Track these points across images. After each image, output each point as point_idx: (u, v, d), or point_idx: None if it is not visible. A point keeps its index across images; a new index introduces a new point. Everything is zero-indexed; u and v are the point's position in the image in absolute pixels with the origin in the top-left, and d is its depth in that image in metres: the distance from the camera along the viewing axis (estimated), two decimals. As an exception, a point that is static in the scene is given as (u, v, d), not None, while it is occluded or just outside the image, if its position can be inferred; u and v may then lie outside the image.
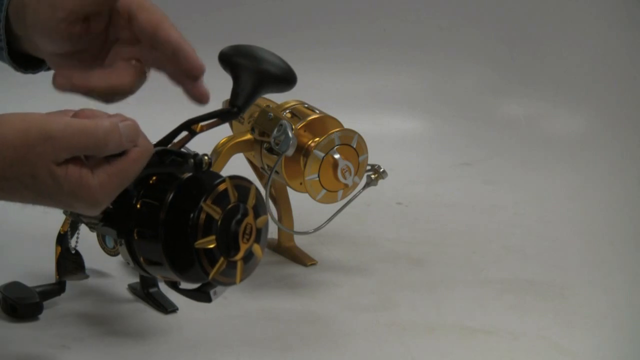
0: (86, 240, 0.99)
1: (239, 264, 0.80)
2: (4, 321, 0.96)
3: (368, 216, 1.28)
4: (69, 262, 0.98)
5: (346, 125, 1.06)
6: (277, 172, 1.05)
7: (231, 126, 1.14)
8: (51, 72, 0.83)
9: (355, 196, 1.08)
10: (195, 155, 0.80)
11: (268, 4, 1.65)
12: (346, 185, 1.06)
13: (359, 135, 1.06)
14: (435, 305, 1.04)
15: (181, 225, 0.77)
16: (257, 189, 0.81)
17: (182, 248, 0.77)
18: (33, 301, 0.96)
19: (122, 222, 0.79)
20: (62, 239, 0.98)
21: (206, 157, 0.80)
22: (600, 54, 1.62)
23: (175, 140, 0.82)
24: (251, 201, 0.80)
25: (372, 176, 1.09)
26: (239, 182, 0.79)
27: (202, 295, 0.82)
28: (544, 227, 1.28)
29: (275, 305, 1.03)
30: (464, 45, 1.66)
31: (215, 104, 1.17)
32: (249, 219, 0.80)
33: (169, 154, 0.80)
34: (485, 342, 0.96)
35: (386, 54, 1.66)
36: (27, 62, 0.88)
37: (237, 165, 1.12)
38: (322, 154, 1.04)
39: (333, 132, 1.04)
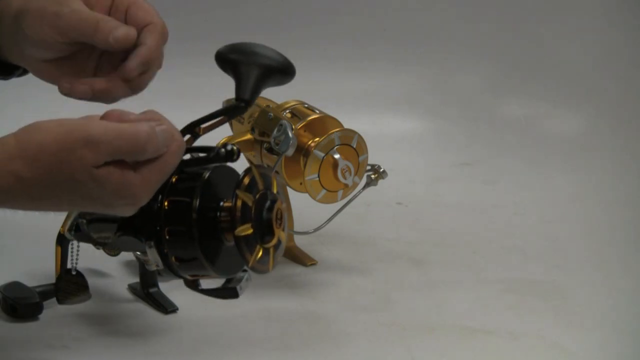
0: (86, 240, 0.99)
1: (272, 251, 0.80)
2: (4, 321, 0.96)
3: (368, 216, 1.28)
4: (71, 285, 0.98)
5: (346, 125, 1.06)
6: (277, 172, 1.05)
7: (231, 126, 1.14)
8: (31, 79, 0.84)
9: (355, 196, 1.08)
10: (225, 145, 0.79)
11: (267, 4, 1.65)
12: (346, 185, 1.06)
13: (359, 135, 1.06)
14: (435, 305, 1.04)
15: (215, 220, 0.77)
16: (277, 177, 0.81)
17: (218, 245, 0.77)
18: (33, 301, 0.96)
19: (149, 224, 0.79)
20: (62, 239, 0.97)
21: (234, 147, 0.80)
22: (600, 53, 1.62)
23: None
24: (275, 188, 0.80)
25: (372, 176, 1.09)
26: (262, 171, 0.80)
27: (228, 291, 0.83)
28: (544, 227, 1.28)
29: (275, 305, 1.03)
30: (464, 45, 1.66)
31: (216, 104, 1.17)
32: (279, 204, 0.80)
33: (191, 151, 0.80)
34: (485, 342, 0.96)
35: (386, 54, 1.66)
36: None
37: (238, 165, 1.12)
38: (322, 154, 1.04)
39: (333, 132, 1.04)
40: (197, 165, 0.80)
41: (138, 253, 0.96)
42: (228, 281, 0.83)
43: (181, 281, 1.06)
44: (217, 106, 1.15)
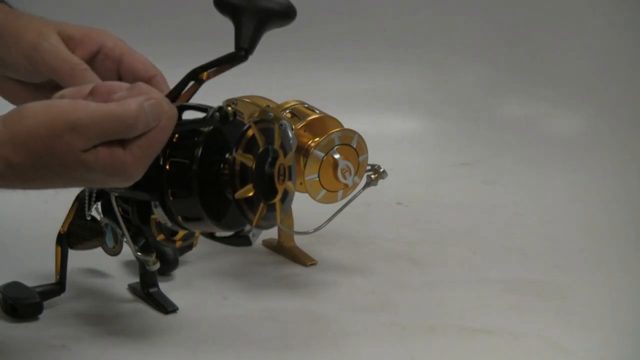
0: (86, 240, 0.99)
1: (278, 205, 0.80)
2: (4, 321, 0.96)
3: (368, 216, 1.28)
4: (84, 230, 0.97)
5: (346, 125, 1.06)
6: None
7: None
8: None
9: (355, 196, 1.08)
10: (220, 108, 0.79)
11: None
12: (346, 185, 1.06)
13: (359, 135, 1.06)
14: (435, 305, 1.04)
15: (217, 179, 0.76)
16: (279, 126, 0.80)
17: (221, 201, 0.76)
18: (33, 301, 0.96)
19: (153, 185, 0.79)
20: (62, 239, 0.98)
21: (230, 108, 0.79)
22: (600, 53, 1.62)
23: (184, 90, 0.82)
24: (277, 141, 0.80)
25: (372, 176, 1.09)
26: (263, 125, 0.79)
27: (241, 240, 0.82)
28: (544, 227, 1.28)
29: (275, 305, 1.03)
30: (464, 45, 1.66)
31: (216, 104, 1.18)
32: (281, 159, 0.79)
33: (187, 109, 0.80)
34: (485, 342, 0.96)
35: (386, 54, 1.66)
36: None
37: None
38: (322, 154, 1.04)
39: (333, 132, 1.04)
40: (192, 127, 0.79)
41: (139, 253, 0.96)
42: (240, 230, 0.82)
43: (181, 281, 1.07)
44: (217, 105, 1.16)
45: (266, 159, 0.79)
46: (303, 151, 1.04)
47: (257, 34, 0.84)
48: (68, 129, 0.71)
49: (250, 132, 0.77)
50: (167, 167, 0.78)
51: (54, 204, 1.09)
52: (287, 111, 1.07)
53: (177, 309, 1.00)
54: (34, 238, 1.11)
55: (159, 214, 0.80)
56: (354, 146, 1.05)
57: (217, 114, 0.78)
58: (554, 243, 1.22)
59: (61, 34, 0.84)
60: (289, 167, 0.81)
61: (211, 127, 0.78)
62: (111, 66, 0.84)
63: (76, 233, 0.97)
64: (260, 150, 0.78)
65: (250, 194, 0.77)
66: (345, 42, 1.65)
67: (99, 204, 0.98)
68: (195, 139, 0.78)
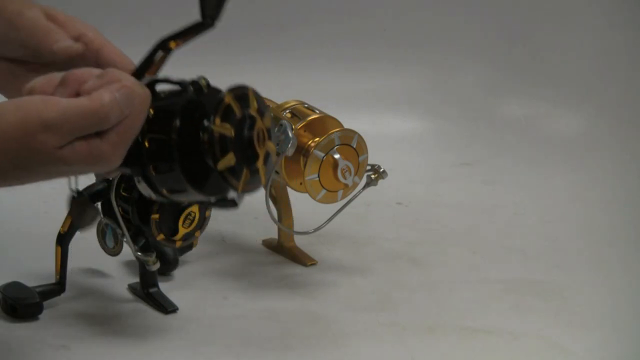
0: (86, 240, 0.99)
1: (261, 168, 0.80)
2: (4, 321, 0.96)
3: (368, 216, 1.28)
4: (80, 208, 0.97)
5: (346, 125, 1.06)
6: (277, 172, 1.05)
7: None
8: None
9: (355, 196, 1.08)
10: (194, 82, 0.78)
11: (268, 4, 1.65)
12: (346, 185, 1.06)
13: (359, 135, 1.05)
14: (435, 305, 1.04)
15: (197, 149, 0.76)
16: (253, 90, 0.80)
17: (204, 171, 0.76)
18: (33, 301, 0.96)
19: (134, 161, 0.78)
20: (62, 239, 0.98)
21: (203, 80, 0.79)
22: (600, 53, 1.62)
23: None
24: (253, 105, 0.79)
25: (372, 176, 1.09)
26: (237, 92, 0.78)
27: (228, 202, 0.82)
28: (544, 227, 1.28)
29: (275, 305, 1.03)
30: (464, 45, 1.66)
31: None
32: (259, 123, 0.79)
33: (160, 82, 0.79)
34: (485, 342, 0.96)
35: (386, 54, 1.66)
36: None
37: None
38: (322, 154, 1.04)
39: (333, 132, 1.04)
40: (167, 102, 0.79)
41: (139, 253, 0.96)
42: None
43: (181, 281, 1.07)
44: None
45: (244, 125, 0.78)
46: (303, 151, 1.04)
47: (222, 1, 0.84)
48: (41, 129, 0.71)
49: (226, 101, 0.77)
50: (146, 143, 0.78)
51: (54, 204, 1.09)
52: (287, 111, 1.07)
53: (177, 309, 1.00)
54: (34, 238, 1.11)
55: (142, 188, 0.80)
56: (354, 146, 1.05)
57: (191, 87, 0.78)
58: (554, 243, 1.22)
59: (45, 12, 0.85)
60: (268, 129, 0.81)
61: (187, 99, 0.78)
62: (89, 56, 0.84)
63: (76, 214, 0.97)
64: (238, 117, 0.78)
65: (232, 162, 0.77)
66: (345, 42, 1.65)
67: (99, 203, 0.98)
68: (172, 112, 0.78)
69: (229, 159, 0.77)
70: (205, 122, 0.76)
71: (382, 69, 1.66)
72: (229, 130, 0.77)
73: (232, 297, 1.04)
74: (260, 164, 0.80)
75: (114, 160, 0.75)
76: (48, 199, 1.25)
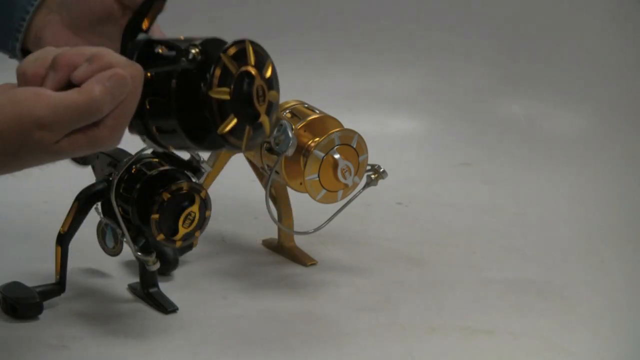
0: (86, 240, 0.99)
1: (247, 129, 0.79)
2: (4, 321, 0.96)
3: (368, 216, 1.28)
4: None
5: (346, 125, 1.06)
6: (277, 172, 1.05)
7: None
8: None
9: (355, 196, 1.08)
10: (186, 52, 0.76)
11: (268, 4, 1.65)
12: (346, 185, 1.06)
13: (359, 135, 1.06)
14: (435, 305, 1.04)
15: (197, 116, 0.76)
16: (251, 42, 0.80)
17: (207, 132, 0.76)
18: (33, 301, 0.96)
19: (137, 121, 0.78)
20: (62, 239, 0.98)
21: (194, 50, 0.76)
22: (600, 54, 1.62)
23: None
24: (251, 60, 0.79)
25: (372, 176, 1.09)
26: (234, 49, 0.78)
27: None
28: (544, 227, 1.28)
29: (275, 305, 1.03)
30: (464, 45, 1.66)
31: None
32: (257, 80, 0.79)
33: (157, 44, 0.79)
34: (485, 342, 0.96)
35: (386, 54, 1.66)
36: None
37: (237, 166, 1.12)
38: (322, 154, 1.04)
39: (333, 132, 1.04)
40: (165, 67, 0.78)
41: (139, 253, 0.96)
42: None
43: (181, 281, 1.07)
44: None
45: (242, 85, 0.78)
46: (303, 151, 1.04)
47: None
48: (34, 127, 0.71)
49: (222, 62, 0.77)
50: (147, 106, 0.78)
51: (54, 204, 1.09)
52: (287, 111, 1.07)
53: (177, 309, 1.00)
54: (34, 238, 1.11)
55: (149, 144, 0.80)
56: (354, 146, 1.05)
57: (184, 59, 0.77)
58: (554, 243, 1.22)
59: None
60: (269, 80, 0.80)
61: (183, 65, 0.78)
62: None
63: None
64: (235, 77, 0.78)
65: (233, 124, 0.77)
66: (345, 43, 1.65)
67: (99, 203, 0.98)
68: (169, 78, 0.77)
69: (229, 121, 0.77)
70: (203, 88, 0.76)
71: (382, 69, 1.66)
72: (225, 94, 0.77)
73: (232, 297, 1.04)
74: (262, 118, 0.79)
75: (114, 142, 0.75)
76: (48, 199, 1.25)
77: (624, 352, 0.97)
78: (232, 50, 0.77)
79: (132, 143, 0.99)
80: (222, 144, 0.78)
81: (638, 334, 1.00)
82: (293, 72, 1.58)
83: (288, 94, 1.09)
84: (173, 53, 0.77)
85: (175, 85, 0.77)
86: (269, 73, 0.80)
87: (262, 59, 0.80)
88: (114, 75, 0.73)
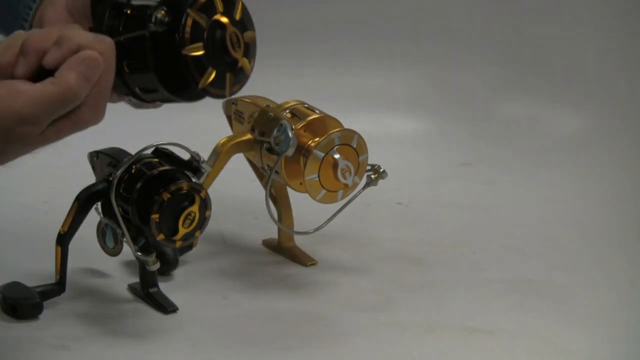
0: (86, 240, 0.99)
1: (228, 77, 0.79)
2: (4, 321, 0.96)
3: (368, 216, 1.28)
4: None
5: (346, 125, 1.06)
6: (277, 172, 1.05)
7: (231, 125, 1.14)
8: None
9: (355, 196, 1.08)
10: (151, 16, 0.77)
11: (268, 4, 1.65)
12: (346, 185, 1.06)
13: (359, 135, 1.05)
14: (435, 305, 1.04)
15: (177, 74, 0.77)
16: (243, 4, 0.80)
17: (171, 58, 0.77)
18: (33, 301, 0.96)
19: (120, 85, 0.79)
20: (62, 239, 0.98)
21: (160, 13, 0.77)
22: (601, 53, 1.62)
23: None
24: (237, 14, 0.79)
25: (372, 176, 1.09)
26: (199, 3, 0.78)
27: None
28: (544, 227, 1.28)
29: (275, 305, 1.03)
30: (464, 45, 1.66)
31: (216, 104, 1.18)
32: (228, 28, 0.79)
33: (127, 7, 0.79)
34: (485, 342, 0.96)
35: (386, 54, 1.66)
36: None
37: (237, 166, 1.12)
38: (322, 154, 1.04)
39: (333, 132, 1.04)
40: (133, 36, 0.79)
41: (139, 253, 0.96)
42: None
43: (181, 281, 1.07)
44: (218, 106, 1.16)
45: (214, 36, 0.78)
46: (303, 151, 1.04)
47: None
48: (17, 124, 0.72)
49: (190, 18, 0.77)
50: (126, 69, 0.78)
51: (54, 204, 1.09)
52: (287, 111, 1.07)
53: (177, 309, 1.00)
54: (34, 238, 1.11)
55: (135, 103, 0.82)
56: (354, 146, 1.05)
57: (151, 23, 0.77)
58: (554, 243, 1.22)
59: None
60: (247, 44, 0.81)
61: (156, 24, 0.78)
62: None
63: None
64: (206, 29, 0.78)
65: (212, 76, 0.77)
66: (345, 42, 1.65)
67: (99, 203, 0.98)
68: (143, 38, 0.77)
69: (209, 75, 0.77)
70: (176, 49, 0.76)
71: (383, 69, 1.66)
72: (199, 50, 0.77)
73: (232, 297, 1.04)
74: (242, 62, 0.80)
75: (98, 119, 0.76)
76: (48, 199, 1.25)
77: (623, 352, 0.97)
78: (199, 3, 0.77)
79: (132, 143, 1.00)
80: (205, 95, 0.79)
81: (638, 334, 1.00)
82: (293, 72, 1.59)
83: (288, 94, 1.10)
84: (141, 15, 0.78)
85: (148, 48, 0.77)
86: (239, 14, 0.80)
87: (230, 2, 0.80)
88: (86, 59, 0.74)
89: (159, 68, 0.77)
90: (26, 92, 0.73)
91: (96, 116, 0.75)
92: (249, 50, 0.81)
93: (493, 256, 1.18)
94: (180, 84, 0.77)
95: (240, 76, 0.80)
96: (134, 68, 0.78)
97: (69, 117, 0.74)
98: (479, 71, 1.67)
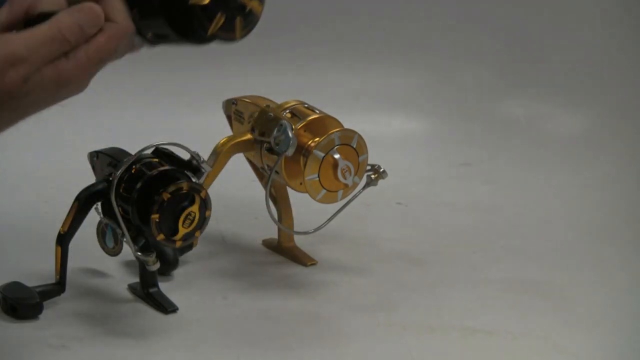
0: (86, 240, 0.99)
1: (238, 20, 0.80)
2: (4, 321, 0.96)
3: (368, 216, 1.28)
4: None
5: (346, 126, 1.06)
6: (277, 172, 1.05)
7: (231, 125, 1.14)
8: None
9: (355, 196, 1.08)
10: None
11: (269, 4, 1.65)
12: (346, 185, 1.06)
13: (359, 135, 1.05)
14: (435, 305, 1.04)
15: (187, 20, 0.77)
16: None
17: (178, 6, 0.77)
18: (33, 301, 0.96)
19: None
20: (62, 239, 0.98)
21: None
22: (600, 54, 1.62)
23: None
24: None
25: (372, 176, 1.09)
26: None
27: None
28: (544, 227, 1.28)
29: (275, 305, 1.03)
30: (464, 46, 1.66)
31: (216, 104, 1.18)
32: None
33: None
34: (485, 342, 0.96)
35: (386, 54, 1.66)
36: None
37: (237, 166, 1.12)
38: (322, 154, 1.04)
39: (333, 132, 1.04)
40: None
41: (139, 253, 0.96)
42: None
43: (181, 281, 1.07)
44: (218, 106, 1.16)
45: None
46: (303, 151, 1.04)
47: None
48: (7, 65, 0.72)
49: None
50: (138, 16, 0.79)
51: (54, 204, 1.09)
52: (287, 111, 1.07)
53: (177, 309, 1.00)
54: (34, 238, 1.11)
55: (148, 44, 0.82)
56: (354, 146, 1.05)
57: None
58: (554, 243, 1.22)
59: None
60: None
61: None
62: None
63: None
64: None
65: (221, 22, 0.78)
66: (345, 43, 1.65)
67: (99, 203, 0.98)
68: None
69: (218, 22, 0.78)
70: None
71: (382, 69, 1.66)
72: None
73: (232, 297, 1.04)
74: (251, 4, 0.80)
75: (83, 83, 0.76)
76: (48, 199, 1.25)
77: (623, 352, 0.97)
78: None
79: (132, 143, 1.00)
80: (215, 39, 0.80)
81: (638, 334, 1.00)
82: (293, 72, 1.59)
83: (288, 94, 1.10)
84: None
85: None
86: None
87: None
88: (84, 8, 0.75)
89: (168, 14, 0.78)
90: (18, 37, 0.73)
91: (80, 77, 0.75)
92: (248, 16, 0.82)
93: (493, 256, 1.18)
94: (191, 30, 0.78)
95: (250, 19, 0.81)
96: (145, 14, 0.79)
97: (54, 64, 0.73)
98: (479, 72, 1.67)
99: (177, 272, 1.08)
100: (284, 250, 1.15)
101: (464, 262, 1.15)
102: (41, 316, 0.97)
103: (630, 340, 0.99)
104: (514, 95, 1.65)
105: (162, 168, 0.95)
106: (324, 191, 1.05)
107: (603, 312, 1.03)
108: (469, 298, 1.06)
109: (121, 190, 0.95)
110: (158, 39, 0.80)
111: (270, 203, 1.08)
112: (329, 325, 0.99)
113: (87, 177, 1.01)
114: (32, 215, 1.21)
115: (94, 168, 1.03)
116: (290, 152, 1.01)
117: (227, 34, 0.79)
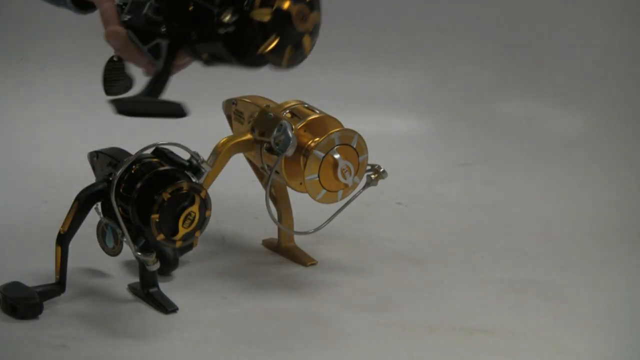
0: (86, 240, 0.99)
1: (289, 48, 0.81)
2: (4, 321, 0.96)
3: (368, 216, 1.28)
4: (114, 72, 0.98)
5: (346, 126, 1.06)
6: (277, 172, 1.05)
7: (231, 125, 1.14)
8: None
9: (355, 196, 1.08)
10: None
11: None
12: (346, 185, 1.06)
13: (359, 135, 1.06)
14: (435, 305, 1.04)
15: (240, 37, 0.80)
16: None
17: (249, 50, 0.80)
18: (33, 301, 0.96)
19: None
20: (62, 239, 0.98)
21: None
22: (600, 54, 1.62)
23: None
24: None
25: (372, 176, 1.09)
26: None
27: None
28: (544, 227, 1.28)
29: (275, 305, 1.03)
30: (464, 46, 1.66)
31: (216, 104, 1.18)
32: (302, 3, 0.82)
33: None
34: (485, 342, 0.96)
35: (386, 55, 1.66)
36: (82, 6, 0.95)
37: (237, 166, 1.12)
38: (322, 154, 1.04)
39: (333, 132, 1.04)
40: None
41: (139, 253, 0.96)
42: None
43: (181, 281, 1.07)
44: (218, 106, 1.16)
45: (283, 5, 0.81)
46: (303, 151, 1.04)
47: None
48: None
49: None
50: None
51: (54, 204, 1.09)
52: (287, 111, 1.07)
53: (177, 309, 1.00)
54: (34, 238, 1.11)
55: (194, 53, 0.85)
56: (354, 146, 1.05)
57: None
58: (554, 243, 1.22)
59: None
60: (311, 2, 0.83)
61: None
62: None
63: (108, 77, 0.97)
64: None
65: (267, 18, 0.79)
66: (345, 43, 1.65)
67: (99, 203, 0.98)
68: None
69: (271, 42, 0.79)
70: (245, 8, 0.79)
71: (383, 69, 1.66)
72: (266, 16, 0.79)
73: (232, 297, 1.04)
74: (304, 38, 0.81)
75: None
76: (48, 199, 1.25)
77: (624, 352, 0.97)
78: None
79: (132, 143, 1.00)
80: (264, 63, 0.82)
81: (638, 334, 1.01)
82: (293, 72, 1.59)
83: (288, 94, 1.10)
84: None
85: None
86: None
87: None
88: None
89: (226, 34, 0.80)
90: None
91: None
92: (313, 30, 0.83)
93: (493, 256, 1.18)
94: (243, 45, 0.79)
95: (300, 51, 0.82)
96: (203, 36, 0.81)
97: None
98: (479, 71, 1.67)
99: (177, 272, 1.08)
100: (284, 250, 1.15)
101: (464, 262, 1.15)
102: (41, 316, 0.97)
103: (631, 340, 0.99)
104: (514, 96, 1.65)
105: (162, 168, 0.96)
106: (324, 191, 1.05)
107: (603, 312, 1.03)
108: (469, 298, 1.06)
109: (121, 190, 0.95)
110: (213, 60, 0.81)
111: (270, 203, 1.08)
112: (329, 325, 0.99)
113: (87, 177, 1.02)
114: (32, 215, 1.22)
115: (94, 168, 1.03)
116: (290, 152, 1.01)
117: (276, 58, 0.80)
